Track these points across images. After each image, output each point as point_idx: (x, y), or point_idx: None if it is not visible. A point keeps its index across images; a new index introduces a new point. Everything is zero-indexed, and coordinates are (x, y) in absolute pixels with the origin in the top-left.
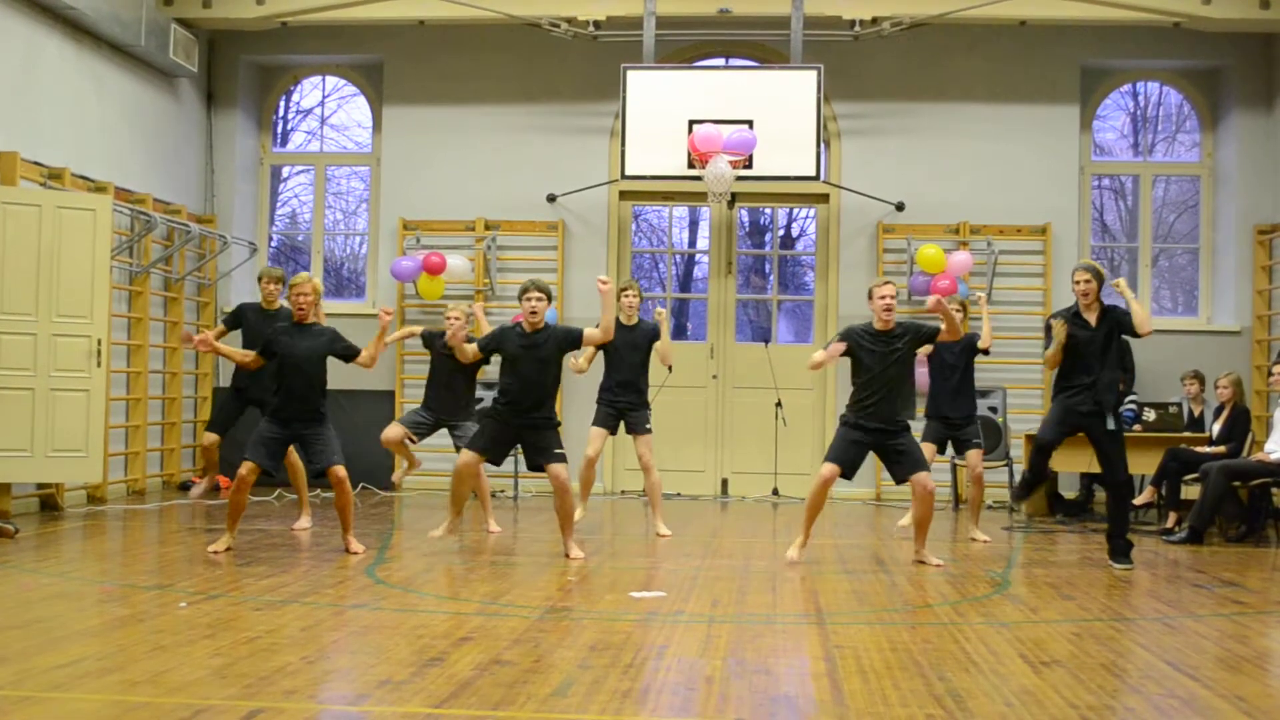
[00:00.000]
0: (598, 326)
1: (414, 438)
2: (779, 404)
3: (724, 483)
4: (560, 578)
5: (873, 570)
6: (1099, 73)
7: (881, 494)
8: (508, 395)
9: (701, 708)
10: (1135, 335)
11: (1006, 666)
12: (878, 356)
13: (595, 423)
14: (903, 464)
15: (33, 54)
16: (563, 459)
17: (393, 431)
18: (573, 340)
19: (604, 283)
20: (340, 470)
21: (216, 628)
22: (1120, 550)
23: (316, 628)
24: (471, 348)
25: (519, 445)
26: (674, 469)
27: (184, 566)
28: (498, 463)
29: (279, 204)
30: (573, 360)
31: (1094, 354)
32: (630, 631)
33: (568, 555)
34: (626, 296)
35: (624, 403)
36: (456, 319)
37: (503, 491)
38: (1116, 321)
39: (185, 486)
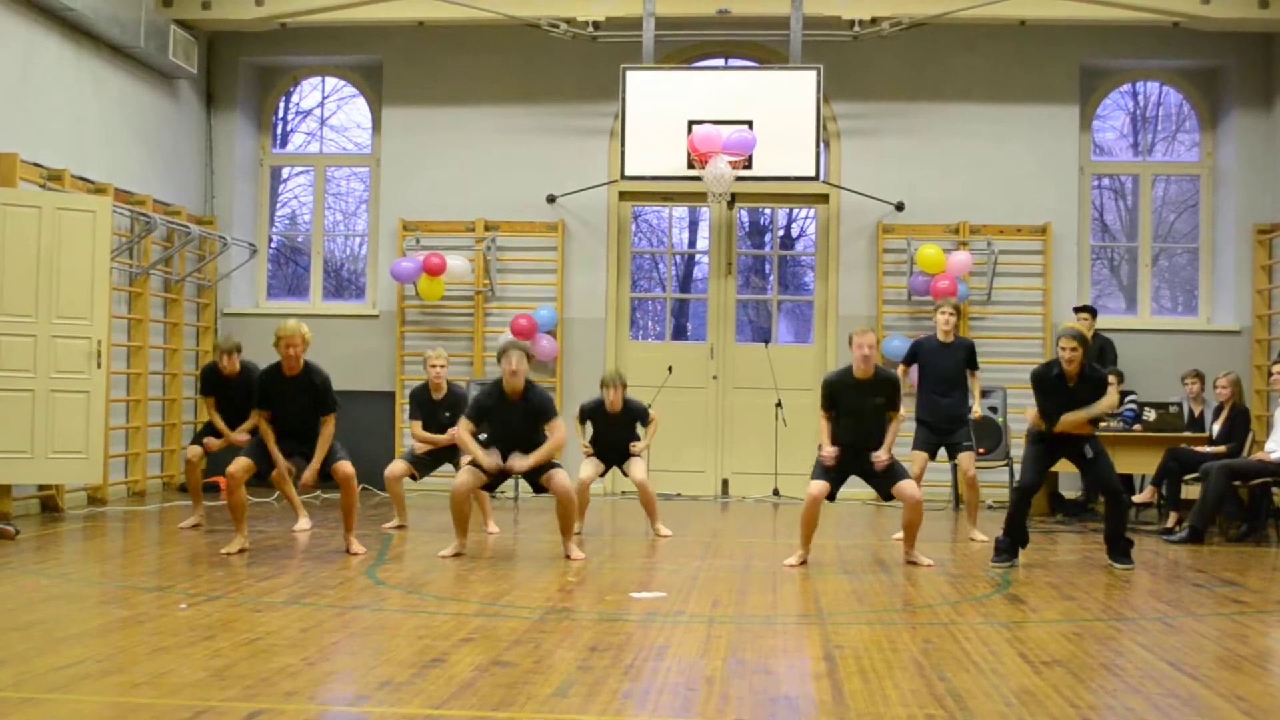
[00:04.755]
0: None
1: (415, 474)
2: (779, 404)
3: (724, 483)
4: (560, 578)
5: (873, 570)
6: (1098, 72)
7: None
8: (499, 447)
9: (702, 708)
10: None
11: (1007, 666)
12: (854, 405)
13: (592, 453)
14: (884, 479)
15: (32, 56)
16: (559, 466)
17: (395, 468)
18: (547, 418)
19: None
20: (347, 467)
21: (217, 629)
22: (1120, 550)
23: (317, 629)
24: (461, 433)
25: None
26: (674, 469)
27: (184, 568)
28: (493, 488)
29: (279, 205)
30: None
31: (1070, 407)
32: (630, 632)
33: (568, 557)
34: (610, 393)
35: (616, 458)
36: (439, 367)
37: (503, 492)
38: (1099, 383)
39: (185, 488)
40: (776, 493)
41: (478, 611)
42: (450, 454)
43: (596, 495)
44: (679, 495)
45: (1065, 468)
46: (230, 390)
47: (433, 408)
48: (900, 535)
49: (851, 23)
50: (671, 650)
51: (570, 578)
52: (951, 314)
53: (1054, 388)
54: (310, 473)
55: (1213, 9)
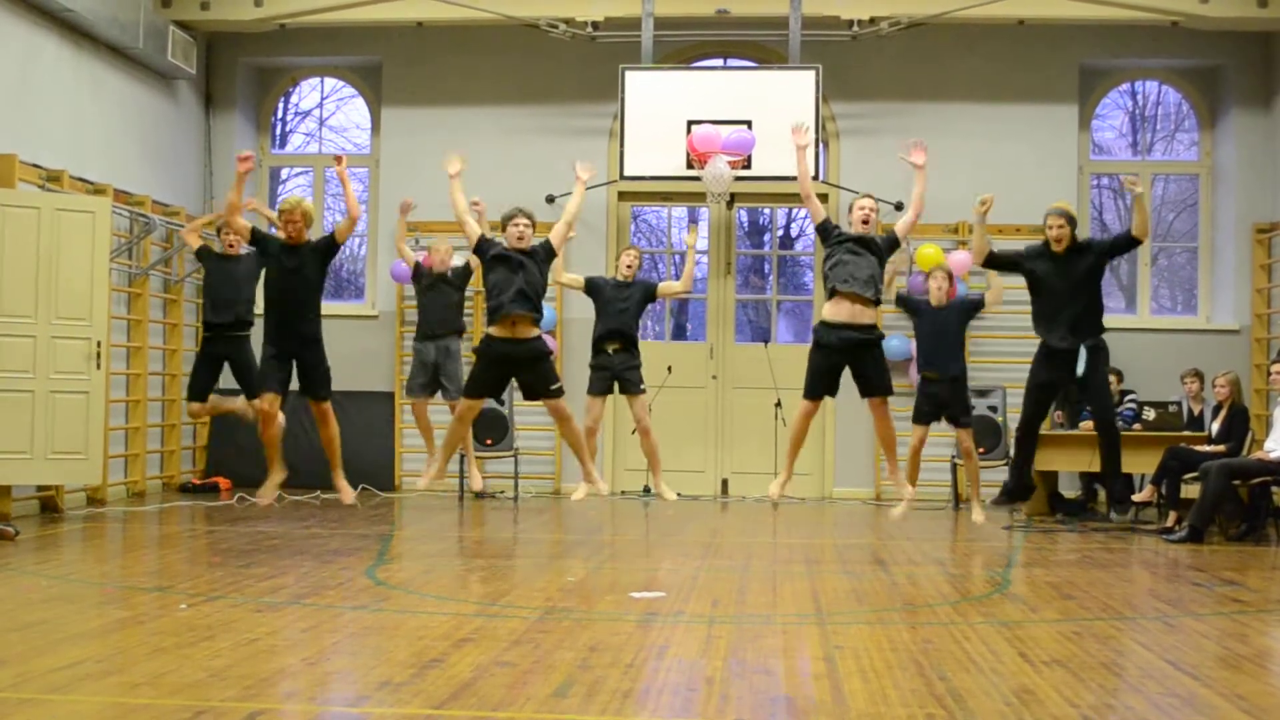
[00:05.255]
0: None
1: (428, 396)
2: (778, 404)
3: (724, 483)
4: (560, 578)
5: (873, 570)
6: (1097, 72)
7: (881, 494)
8: (495, 296)
9: (702, 708)
10: (1134, 241)
11: (1007, 666)
12: (852, 245)
13: (590, 391)
14: (867, 382)
15: (31, 56)
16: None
17: (417, 407)
18: (550, 253)
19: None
20: (326, 406)
21: (216, 629)
22: (1116, 497)
23: (316, 629)
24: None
25: (514, 381)
26: (674, 469)
27: (184, 568)
28: (497, 395)
29: (278, 206)
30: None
31: (1063, 290)
32: (630, 632)
33: (589, 479)
34: (627, 256)
35: (617, 353)
36: (444, 254)
37: (502, 492)
38: (1098, 254)
39: (185, 488)
40: None
41: (477, 611)
42: (439, 337)
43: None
44: (679, 495)
45: (1065, 465)
46: (228, 271)
47: (432, 276)
48: (899, 512)
49: (850, 23)
50: (671, 650)
51: (570, 578)
52: (944, 279)
53: (1042, 253)
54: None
55: (1211, 8)
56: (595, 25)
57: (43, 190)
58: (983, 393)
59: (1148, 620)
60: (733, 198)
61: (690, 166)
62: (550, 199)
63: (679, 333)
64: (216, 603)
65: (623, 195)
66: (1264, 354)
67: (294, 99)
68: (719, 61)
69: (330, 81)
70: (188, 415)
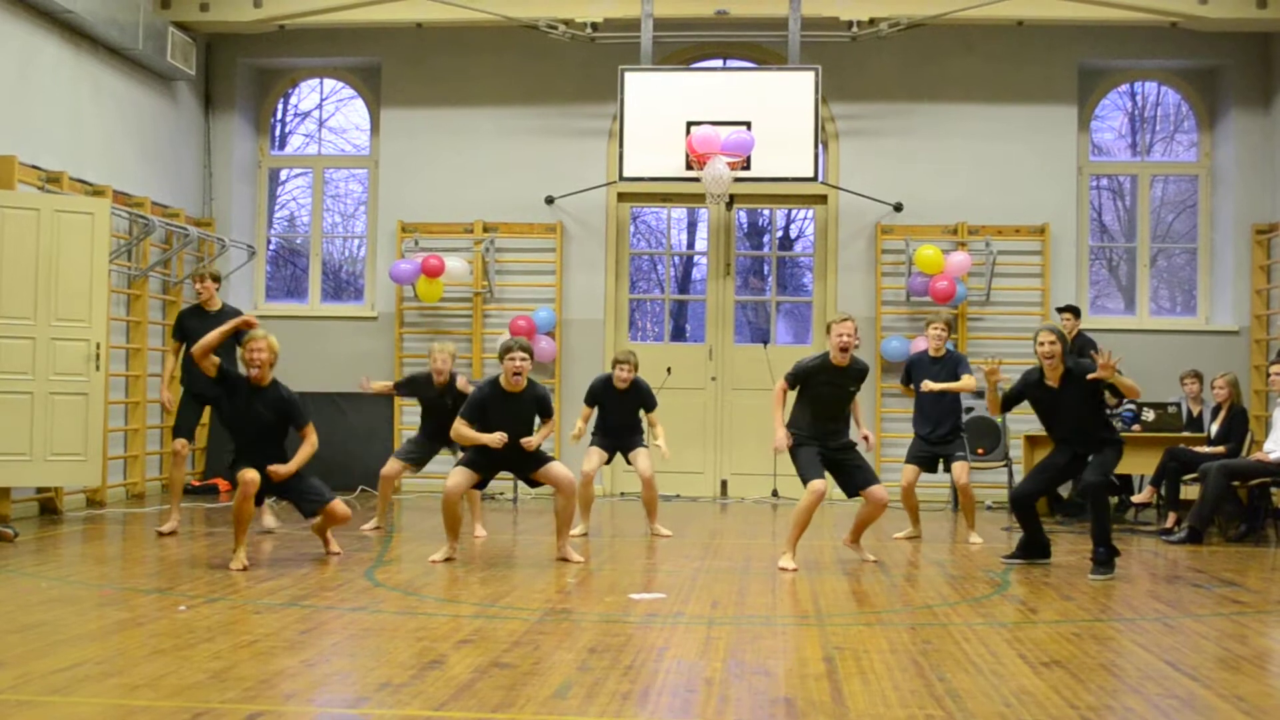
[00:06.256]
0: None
1: (412, 469)
2: None
3: (723, 484)
4: (559, 580)
5: (872, 571)
6: (1096, 73)
7: None
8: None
9: (701, 710)
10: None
11: (1006, 667)
12: (830, 389)
13: (593, 443)
14: (854, 478)
15: (30, 58)
16: (554, 460)
17: (390, 467)
18: (545, 412)
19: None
20: (331, 506)
21: (216, 631)
22: (1097, 557)
23: (316, 631)
24: (461, 429)
25: (508, 469)
26: (673, 470)
27: (184, 570)
28: (483, 486)
29: (277, 207)
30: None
31: (1064, 412)
32: (630, 633)
33: (565, 559)
34: (622, 370)
35: (619, 442)
36: (443, 361)
37: (501, 494)
38: (1083, 376)
39: (185, 490)
40: (775, 494)
41: (476, 613)
42: (446, 445)
43: (597, 497)
44: (678, 496)
45: None
46: (206, 330)
47: (433, 392)
48: (902, 534)
49: (849, 23)
50: (671, 651)
51: (569, 579)
52: (942, 329)
53: (1039, 384)
54: (285, 470)
55: (1210, 9)
56: (595, 26)
57: (42, 192)
58: (981, 393)
59: (1147, 621)
60: (732, 199)
61: (690, 167)
62: (549, 200)
63: (678, 334)
64: (216, 604)
65: (622, 196)
66: (1263, 355)
67: (293, 100)
68: (718, 62)
69: (330, 82)
70: (174, 448)
